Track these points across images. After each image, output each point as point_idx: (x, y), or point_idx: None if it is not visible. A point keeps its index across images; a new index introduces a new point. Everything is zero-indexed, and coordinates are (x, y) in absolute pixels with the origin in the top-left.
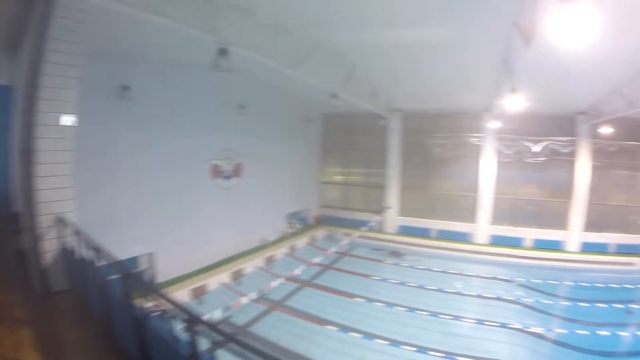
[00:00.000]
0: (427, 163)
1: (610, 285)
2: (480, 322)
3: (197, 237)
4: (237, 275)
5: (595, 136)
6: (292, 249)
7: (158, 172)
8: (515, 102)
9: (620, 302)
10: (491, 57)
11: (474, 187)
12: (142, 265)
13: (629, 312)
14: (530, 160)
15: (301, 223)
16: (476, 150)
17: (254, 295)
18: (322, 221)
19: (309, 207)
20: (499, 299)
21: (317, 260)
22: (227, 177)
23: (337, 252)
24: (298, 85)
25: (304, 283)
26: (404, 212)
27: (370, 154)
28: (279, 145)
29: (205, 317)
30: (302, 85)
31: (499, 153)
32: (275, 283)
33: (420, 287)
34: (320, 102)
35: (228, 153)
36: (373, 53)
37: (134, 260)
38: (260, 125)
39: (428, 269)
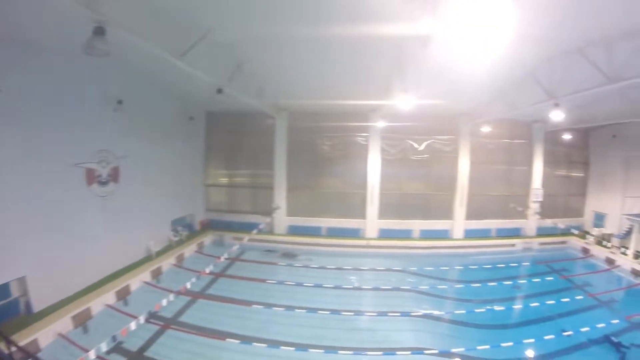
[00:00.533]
0: (315, 162)
1: (497, 265)
2: (382, 314)
3: (74, 252)
4: (124, 294)
5: (475, 135)
6: (180, 258)
7: (20, 178)
8: (405, 103)
9: (507, 279)
10: (383, 58)
11: (362, 185)
12: (13, 293)
13: (516, 286)
14: (415, 157)
15: (187, 230)
16: (364, 149)
17: (142, 318)
18: (209, 226)
19: (195, 212)
20: (396, 289)
21: (208, 269)
22: (104, 183)
23: (228, 259)
24: (182, 79)
25: (196, 295)
26: (293, 212)
27: (257, 154)
28: (160, 146)
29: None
30: (187, 78)
31: (385, 151)
32: (164, 301)
33: (318, 286)
34: (205, 98)
35: (103, 155)
36: (262, 47)
37: (3, 288)
38: (139, 123)
39: (323, 267)
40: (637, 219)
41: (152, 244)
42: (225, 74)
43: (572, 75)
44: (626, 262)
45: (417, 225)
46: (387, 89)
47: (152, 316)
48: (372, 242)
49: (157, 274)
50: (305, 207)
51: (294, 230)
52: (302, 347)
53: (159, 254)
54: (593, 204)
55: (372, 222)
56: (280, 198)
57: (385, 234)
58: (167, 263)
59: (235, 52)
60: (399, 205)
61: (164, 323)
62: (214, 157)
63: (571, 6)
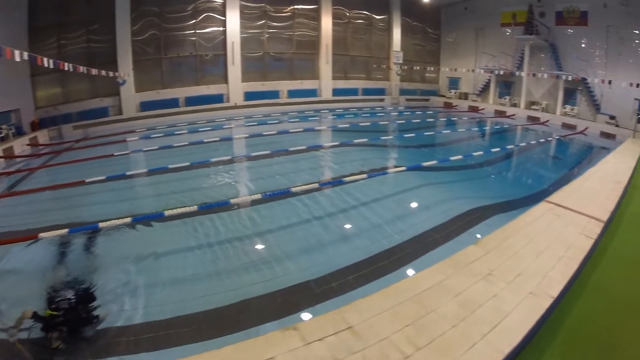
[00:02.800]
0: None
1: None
2: None
3: None
4: None
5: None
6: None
7: None
8: None
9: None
10: None
11: (220, 46)
12: None
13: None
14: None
15: (13, 131)
16: (220, 5)
17: None
18: (44, 125)
19: (21, 108)
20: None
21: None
22: None
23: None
24: None
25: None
26: (142, 86)
27: (93, 19)
28: None
29: None
30: None
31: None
32: None
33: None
34: None
35: None
36: None
37: None
38: None
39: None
40: (494, 68)
41: None
42: None
43: None
44: (488, 106)
45: (283, 85)
46: None
47: None
48: (240, 105)
49: None
50: (157, 78)
51: (147, 107)
52: None
53: None
54: (446, 71)
55: (236, 85)
56: (126, 70)
57: (251, 97)
58: None
59: None
60: (264, 66)
61: None
62: (41, 32)
63: None
